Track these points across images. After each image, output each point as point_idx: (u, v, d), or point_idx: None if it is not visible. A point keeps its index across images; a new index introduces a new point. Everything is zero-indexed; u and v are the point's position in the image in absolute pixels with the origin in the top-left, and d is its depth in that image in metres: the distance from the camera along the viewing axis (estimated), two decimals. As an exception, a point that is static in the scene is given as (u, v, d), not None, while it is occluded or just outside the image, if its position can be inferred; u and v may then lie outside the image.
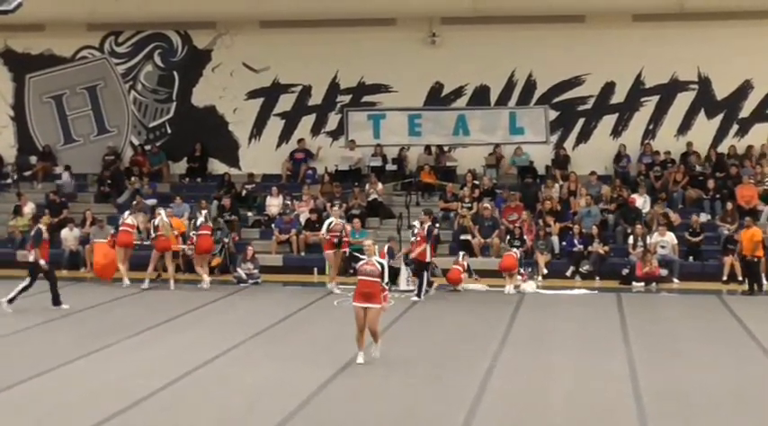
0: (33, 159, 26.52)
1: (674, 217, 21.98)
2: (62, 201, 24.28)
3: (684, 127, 24.46)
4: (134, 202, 24.03)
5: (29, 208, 24.08)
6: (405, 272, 19.32)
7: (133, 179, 25.19)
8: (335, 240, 18.98)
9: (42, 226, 17.29)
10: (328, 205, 23.09)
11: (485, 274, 20.14)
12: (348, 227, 19.70)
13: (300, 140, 25.44)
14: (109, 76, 26.36)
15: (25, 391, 11.41)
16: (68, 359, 12.92)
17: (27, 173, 26.25)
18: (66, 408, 10.68)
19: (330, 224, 19.16)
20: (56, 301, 17.09)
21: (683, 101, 24.44)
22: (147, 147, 26.16)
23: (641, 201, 22.53)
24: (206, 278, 19.86)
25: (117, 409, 10.47)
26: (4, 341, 14.38)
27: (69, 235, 22.79)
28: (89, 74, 26.38)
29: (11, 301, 16.65)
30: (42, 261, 16.89)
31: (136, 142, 26.40)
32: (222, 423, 10.17)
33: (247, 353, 13.54)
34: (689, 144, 24.10)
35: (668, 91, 24.45)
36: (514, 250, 20.19)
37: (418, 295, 18.15)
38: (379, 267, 12.21)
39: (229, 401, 10.98)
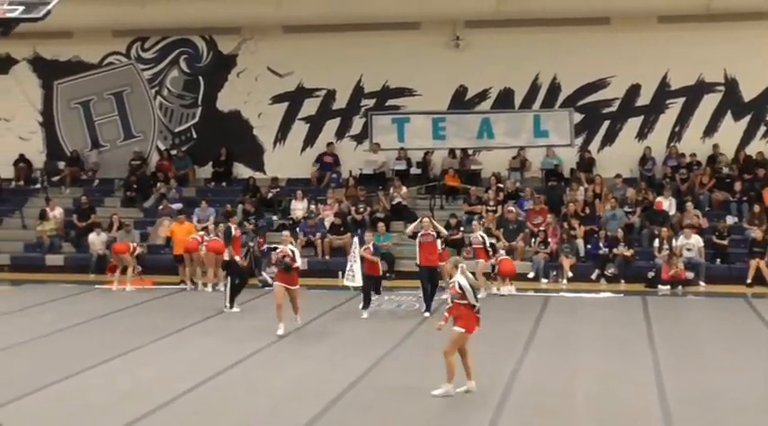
0: (61, 164, 26.83)
1: (702, 221, 21.82)
2: (90, 206, 24.53)
3: (711, 129, 24.27)
4: (160, 207, 24.25)
5: (57, 213, 24.35)
6: (347, 267, 17.78)
7: (159, 184, 25.37)
8: (281, 266, 15.36)
9: (232, 225, 17.78)
10: (350, 209, 23.15)
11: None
12: (290, 252, 15.35)
13: (330, 144, 25.51)
14: (135, 82, 26.60)
15: (53, 392, 11.56)
16: (97, 362, 13.06)
17: (55, 179, 26.53)
18: (93, 409, 10.79)
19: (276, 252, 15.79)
20: (231, 302, 17.35)
21: (710, 102, 24.24)
22: (173, 152, 26.34)
23: (667, 204, 22.38)
24: (212, 281, 20.15)
25: (144, 411, 10.57)
26: (35, 343, 14.56)
27: (96, 240, 22.99)
28: (116, 79, 26.64)
29: (231, 305, 17.29)
30: (238, 257, 17.50)
31: (162, 147, 26.61)
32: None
33: (272, 357, 13.61)
34: (715, 146, 23.92)
35: (694, 93, 24.27)
36: (497, 247, 19.89)
37: (366, 305, 16.78)
38: (458, 289, 11.25)
39: (254, 404, 11.04)
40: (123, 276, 20.59)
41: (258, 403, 11.12)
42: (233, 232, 17.56)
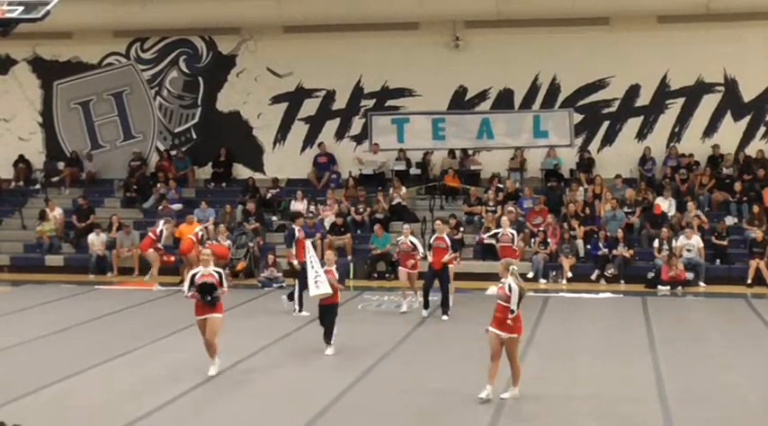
0: (61, 165, 26.82)
1: (704, 221, 21.83)
2: (89, 207, 24.52)
3: (711, 129, 24.24)
4: (160, 208, 24.25)
5: (56, 213, 24.34)
6: (312, 275, 13.68)
7: (159, 184, 25.37)
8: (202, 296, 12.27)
9: (296, 227, 17.46)
10: (350, 209, 23.14)
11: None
12: (216, 276, 12.37)
13: (321, 144, 25.51)
14: (135, 82, 26.60)
15: (54, 392, 11.56)
16: (97, 362, 13.07)
17: (55, 179, 26.52)
18: (94, 409, 10.79)
19: (195, 275, 12.42)
20: (299, 306, 16.93)
21: (710, 103, 24.22)
22: (173, 153, 26.34)
23: (666, 205, 22.39)
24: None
25: (143, 411, 10.58)
26: (36, 343, 14.56)
27: (96, 240, 23.01)
28: (115, 80, 26.64)
29: (300, 308, 16.75)
30: (295, 262, 16.99)
31: (161, 147, 26.60)
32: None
33: (270, 358, 13.58)
34: (715, 146, 23.92)
35: (694, 93, 24.26)
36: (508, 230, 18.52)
37: (328, 340, 13.69)
38: (507, 291, 10.94)
39: (250, 406, 11.03)
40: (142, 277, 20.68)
41: (255, 403, 11.11)
42: (296, 234, 17.32)
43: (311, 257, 13.75)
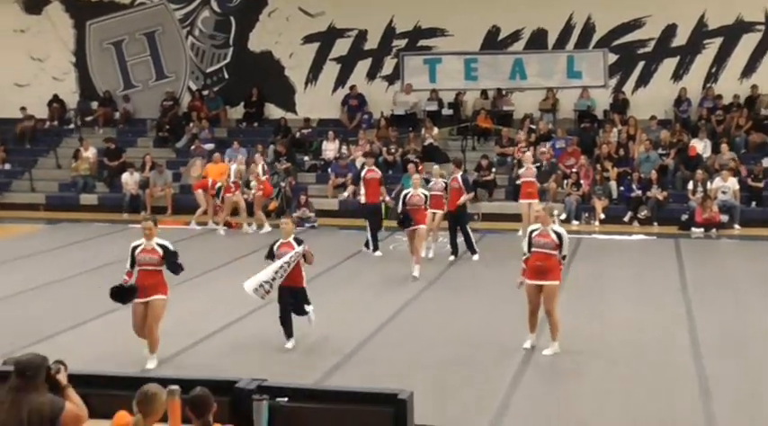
0: (94, 104, 26.96)
1: (738, 163, 21.54)
2: (117, 147, 24.64)
3: (749, 70, 23.72)
4: (192, 147, 24.36)
5: (90, 153, 24.53)
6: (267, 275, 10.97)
7: (191, 124, 25.45)
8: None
9: (366, 165, 17.73)
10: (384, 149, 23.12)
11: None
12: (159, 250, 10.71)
13: (352, 87, 25.34)
14: (167, 22, 26.50)
15: (88, 330, 11.80)
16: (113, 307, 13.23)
17: (88, 119, 26.70)
18: (125, 348, 10.97)
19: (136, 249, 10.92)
20: (370, 245, 17.04)
21: (749, 42, 23.64)
22: (205, 93, 26.35)
23: (701, 146, 22.09)
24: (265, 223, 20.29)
25: (174, 350, 10.75)
26: (67, 283, 14.80)
27: (130, 180, 23.21)
28: (148, 20, 26.56)
29: (374, 248, 16.94)
30: (362, 199, 17.36)
31: (194, 87, 26.60)
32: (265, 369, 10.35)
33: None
34: (753, 87, 23.45)
35: (732, 32, 23.68)
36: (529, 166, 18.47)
37: (287, 332, 11.10)
38: (555, 238, 10.41)
39: (278, 345, 11.14)
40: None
41: (283, 346, 11.24)
42: (363, 173, 17.48)
43: (287, 260, 10.86)
